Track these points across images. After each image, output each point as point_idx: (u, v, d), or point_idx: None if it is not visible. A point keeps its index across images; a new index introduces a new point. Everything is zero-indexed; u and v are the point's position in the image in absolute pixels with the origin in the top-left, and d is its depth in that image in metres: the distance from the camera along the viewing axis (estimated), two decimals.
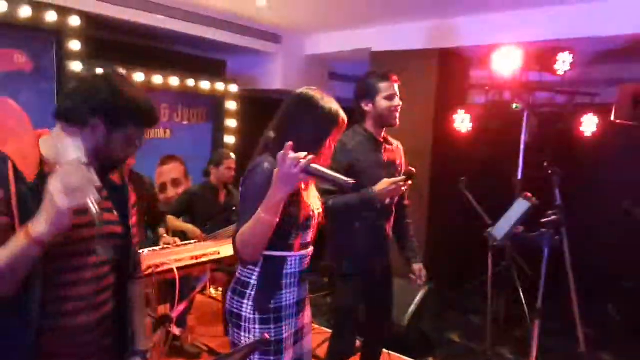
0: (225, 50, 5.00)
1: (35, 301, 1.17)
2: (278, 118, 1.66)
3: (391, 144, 2.42)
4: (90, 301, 1.29)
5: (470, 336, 3.98)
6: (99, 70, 1.26)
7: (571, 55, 3.70)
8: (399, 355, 3.29)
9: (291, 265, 1.63)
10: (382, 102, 2.26)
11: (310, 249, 1.72)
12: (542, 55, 3.74)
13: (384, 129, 2.35)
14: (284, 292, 1.62)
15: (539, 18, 3.73)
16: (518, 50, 3.56)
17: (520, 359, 3.61)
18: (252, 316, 1.59)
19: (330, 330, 3.67)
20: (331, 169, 1.58)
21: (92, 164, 1.22)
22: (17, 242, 1.08)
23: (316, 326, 3.87)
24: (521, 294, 3.74)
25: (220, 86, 4.79)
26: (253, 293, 1.60)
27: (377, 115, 2.28)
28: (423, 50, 4.40)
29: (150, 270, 2.54)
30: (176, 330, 2.94)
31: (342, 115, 1.65)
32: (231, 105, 4.91)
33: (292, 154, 1.40)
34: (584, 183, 4.25)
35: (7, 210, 1.14)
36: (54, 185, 1.06)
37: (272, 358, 1.60)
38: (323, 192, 2.06)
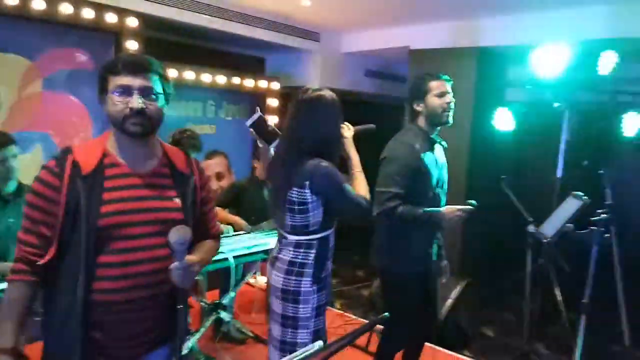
0: (264, 48, 5.12)
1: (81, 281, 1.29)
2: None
3: (441, 145, 2.40)
4: (146, 279, 1.36)
5: (505, 331, 4.03)
6: None
7: (615, 55, 3.68)
8: (435, 346, 3.37)
9: (332, 239, 1.95)
10: (433, 100, 2.23)
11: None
12: (584, 54, 3.73)
13: (437, 129, 2.33)
14: (329, 261, 1.94)
15: (581, 17, 3.74)
16: (560, 49, 3.56)
17: (555, 354, 3.65)
18: (310, 288, 1.89)
19: (364, 321, 3.81)
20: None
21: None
22: None
23: (352, 317, 3.99)
24: (557, 291, 3.75)
25: (262, 84, 4.93)
26: (311, 270, 1.88)
27: (429, 114, 2.25)
28: (462, 48, 4.44)
29: None
30: (227, 317, 3.12)
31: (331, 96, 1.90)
32: (272, 102, 5.05)
33: None
34: (625, 181, 4.22)
35: (49, 203, 1.30)
36: None
37: (322, 317, 1.95)
38: (392, 196, 2.13)
